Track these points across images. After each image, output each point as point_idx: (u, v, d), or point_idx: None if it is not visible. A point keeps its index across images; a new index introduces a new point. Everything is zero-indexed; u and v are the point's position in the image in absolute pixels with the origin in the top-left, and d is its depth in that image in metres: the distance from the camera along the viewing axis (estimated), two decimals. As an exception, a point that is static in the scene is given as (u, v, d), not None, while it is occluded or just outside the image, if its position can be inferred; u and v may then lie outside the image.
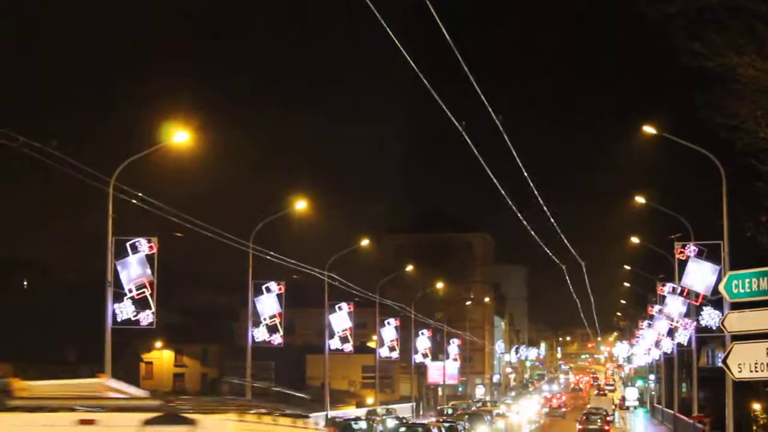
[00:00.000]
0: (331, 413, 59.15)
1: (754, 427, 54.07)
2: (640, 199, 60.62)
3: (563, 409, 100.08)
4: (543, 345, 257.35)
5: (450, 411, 73.81)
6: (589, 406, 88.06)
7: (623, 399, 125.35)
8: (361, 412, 71.76)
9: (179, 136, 37.88)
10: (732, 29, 22.31)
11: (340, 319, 71.32)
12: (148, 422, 11.82)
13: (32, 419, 12.15)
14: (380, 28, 21.62)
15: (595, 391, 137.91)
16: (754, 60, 21.58)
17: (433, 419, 67.22)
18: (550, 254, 71.70)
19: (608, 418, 73.78)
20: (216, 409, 12.19)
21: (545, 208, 50.17)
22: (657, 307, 73.52)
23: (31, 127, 31.78)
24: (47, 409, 12.28)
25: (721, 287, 18.76)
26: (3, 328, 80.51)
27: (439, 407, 78.12)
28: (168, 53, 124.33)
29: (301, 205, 56.15)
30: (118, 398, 14.11)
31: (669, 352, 72.67)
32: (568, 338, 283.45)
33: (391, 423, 63.56)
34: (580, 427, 69.63)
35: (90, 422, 11.96)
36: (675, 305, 59.54)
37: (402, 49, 22.63)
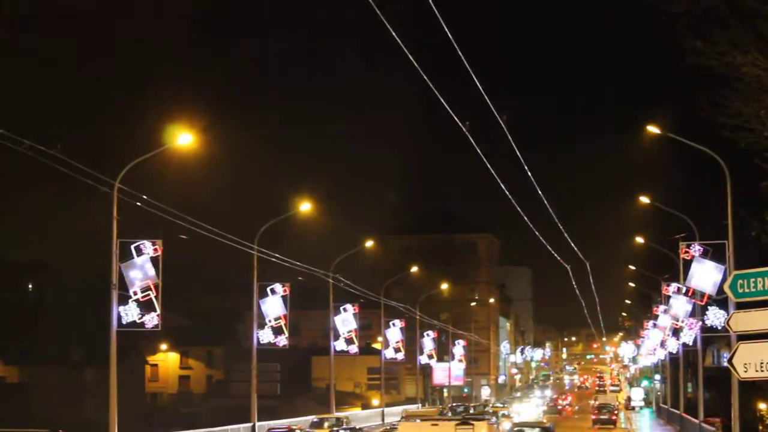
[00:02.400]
0: (272, 423, 57.39)
1: (761, 427, 54.06)
2: (644, 199, 60.55)
3: (559, 407, 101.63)
4: (548, 345, 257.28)
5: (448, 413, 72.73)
6: (598, 402, 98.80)
7: (629, 399, 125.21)
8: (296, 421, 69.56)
9: (183, 139, 37.90)
10: (736, 29, 22.30)
11: (346, 320, 71.27)
12: (457, 425, 33.34)
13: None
14: (385, 30, 21.60)
15: (596, 388, 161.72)
16: (757, 59, 21.57)
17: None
18: (555, 255, 71.70)
19: (615, 411, 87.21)
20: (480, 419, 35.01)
21: (549, 208, 50.10)
22: (662, 307, 73.45)
23: (35, 130, 31.79)
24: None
25: (726, 287, 18.75)
26: (10, 330, 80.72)
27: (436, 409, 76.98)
28: (173, 56, 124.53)
29: (305, 206, 56.13)
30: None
31: (674, 352, 72.55)
32: (573, 339, 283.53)
33: None
34: (594, 417, 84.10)
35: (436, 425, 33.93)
36: (680, 305, 59.47)
37: (405, 50, 22.62)
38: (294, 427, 53.19)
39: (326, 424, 56.30)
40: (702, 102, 24.00)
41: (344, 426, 57.77)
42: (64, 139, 31.19)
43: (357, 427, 59.85)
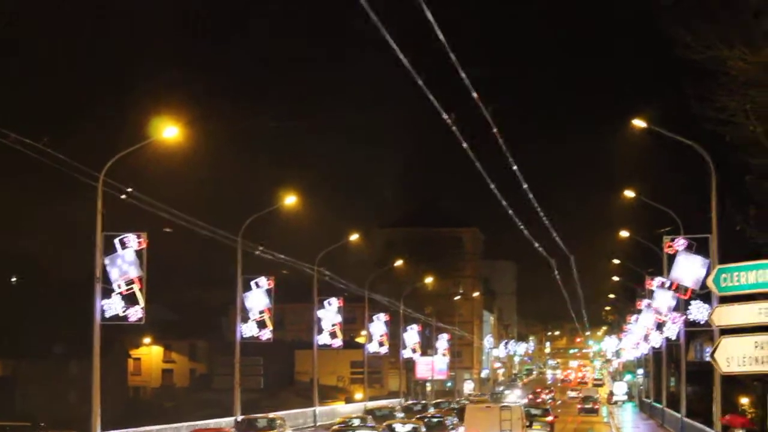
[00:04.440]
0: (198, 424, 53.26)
1: (729, 422, 54.01)
2: (629, 193, 60.73)
3: (539, 400, 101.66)
4: (532, 339, 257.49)
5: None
6: (583, 394, 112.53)
7: (611, 394, 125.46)
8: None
9: (169, 132, 37.85)
10: (724, 22, 22.36)
11: (330, 314, 71.27)
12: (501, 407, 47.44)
13: None
14: (371, 25, 21.56)
15: (578, 381, 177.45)
16: (743, 53, 21.62)
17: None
18: (540, 249, 71.74)
19: (598, 402, 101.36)
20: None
21: (534, 202, 50.13)
22: (646, 301, 73.62)
23: (20, 123, 31.67)
24: None
25: (709, 281, 18.80)
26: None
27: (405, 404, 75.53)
28: (161, 49, 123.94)
29: (290, 200, 56.14)
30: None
31: (657, 346, 72.75)
32: (557, 333, 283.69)
33: None
34: (579, 406, 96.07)
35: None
36: (664, 299, 59.56)
37: (394, 45, 22.61)
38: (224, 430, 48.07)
39: (260, 424, 50.44)
40: (689, 96, 24.08)
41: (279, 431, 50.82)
42: (50, 133, 31.15)
43: None
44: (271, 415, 53.36)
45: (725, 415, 50.14)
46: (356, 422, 50.47)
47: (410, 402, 73.26)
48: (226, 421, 53.40)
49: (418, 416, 57.34)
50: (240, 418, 51.82)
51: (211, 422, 52.62)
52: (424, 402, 75.88)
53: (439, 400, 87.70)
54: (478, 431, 45.66)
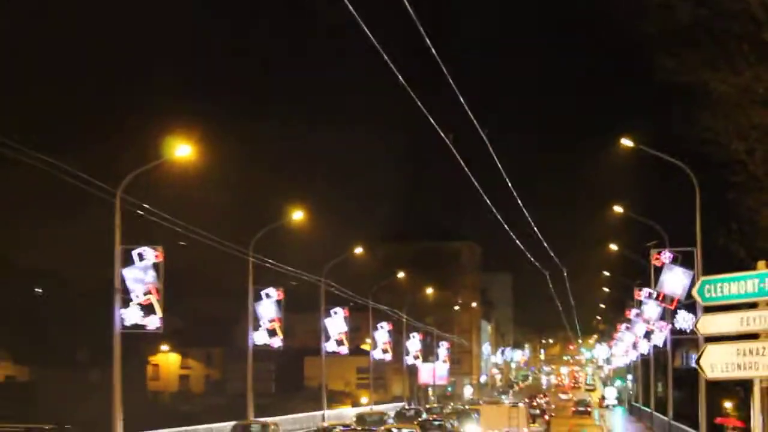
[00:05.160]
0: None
1: (722, 422, 53.78)
2: (618, 209, 60.64)
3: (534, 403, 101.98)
4: (527, 347, 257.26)
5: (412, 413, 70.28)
6: (577, 398, 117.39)
7: (602, 398, 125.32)
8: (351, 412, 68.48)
9: (182, 150, 37.76)
10: (706, 47, 22.29)
11: (336, 323, 71.18)
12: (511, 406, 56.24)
13: None
14: (374, 47, 21.49)
15: (572, 385, 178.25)
16: (726, 76, 21.53)
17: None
18: (534, 262, 71.71)
19: (590, 404, 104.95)
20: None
21: (529, 218, 50.10)
22: (634, 311, 73.49)
23: (39, 140, 31.51)
24: None
25: (694, 292, 18.68)
26: (20, 332, 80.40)
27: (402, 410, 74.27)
28: (171, 67, 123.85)
29: (298, 215, 56.07)
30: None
31: (646, 353, 72.62)
32: (551, 341, 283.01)
33: None
34: (574, 409, 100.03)
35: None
36: (651, 309, 59.48)
37: (393, 67, 22.54)
38: None
39: (253, 429, 48.55)
40: (674, 117, 24.02)
41: None
42: (67, 149, 31.12)
43: None
44: (262, 420, 52.05)
45: (719, 417, 49.98)
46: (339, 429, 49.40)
47: (403, 407, 72.53)
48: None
49: (419, 420, 57.00)
50: (234, 423, 50.38)
51: (203, 428, 51.77)
52: (417, 407, 75.37)
53: (432, 406, 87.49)
54: (492, 426, 51.62)
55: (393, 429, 46.69)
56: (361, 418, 59.07)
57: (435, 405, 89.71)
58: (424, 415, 64.23)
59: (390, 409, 76.80)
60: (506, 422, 51.91)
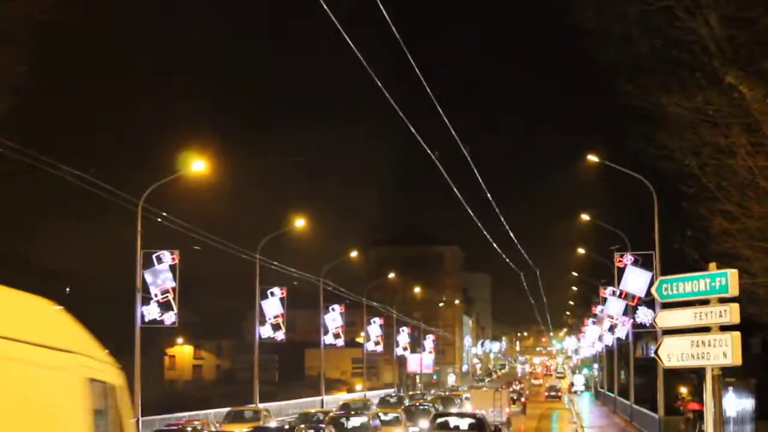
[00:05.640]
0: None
1: (679, 404, 53.95)
2: (585, 217, 60.79)
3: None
4: (504, 339, 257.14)
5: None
6: (549, 384, 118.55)
7: (572, 384, 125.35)
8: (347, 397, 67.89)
9: (197, 165, 37.85)
10: (662, 74, 22.46)
11: (333, 318, 71.27)
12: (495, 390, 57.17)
13: None
14: (367, 71, 21.64)
15: (543, 373, 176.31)
16: (680, 99, 21.70)
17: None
18: (510, 264, 71.85)
19: (560, 390, 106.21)
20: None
21: (506, 225, 50.24)
22: (600, 307, 73.62)
23: (63, 152, 31.33)
24: None
25: (653, 290, 18.80)
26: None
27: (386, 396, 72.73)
28: (185, 88, 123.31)
29: (300, 222, 56.16)
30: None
31: (610, 345, 72.78)
32: (525, 333, 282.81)
33: None
34: (546, 394, 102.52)
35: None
36: (615, 305, 59.57)
37: (385, 92, 22.69)
38: (196, 423, 40.93)
39: (246, 415, 45.75)
40: (634, 136, 24.19)
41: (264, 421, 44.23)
42: (95, 161, 31.12)
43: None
44: (253, 406, 50.38)
45: (687, 403, 49.99)
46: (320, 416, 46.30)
47: (387, 395, 72.30)
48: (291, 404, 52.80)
49: (404, 406, 56.58)
50: (227, 409, 48.26)
51: (186, 415, 50.09)
52: (400, 395, 75.36)
53: (415, 393, 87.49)
54: (480, 406, 54.29)
55: (380, 413, 46.53)
56: (345, 405, 58.79)
57: (418, 392, 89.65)
58: (407, 401, 63.66)
59: (380, 395, 76.62)
60: (491, 403, 55.14)
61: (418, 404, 56.63)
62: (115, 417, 7.87)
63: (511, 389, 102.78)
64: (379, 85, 21.60)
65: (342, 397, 79.36)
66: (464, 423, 36.29)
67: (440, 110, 24.52)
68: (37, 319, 6.89)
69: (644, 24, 21.68)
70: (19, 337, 5.98)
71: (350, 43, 19.59)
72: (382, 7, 18.61)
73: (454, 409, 59.04)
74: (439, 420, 37.30)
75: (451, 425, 36.11)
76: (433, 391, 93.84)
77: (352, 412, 46.58)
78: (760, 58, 20.89)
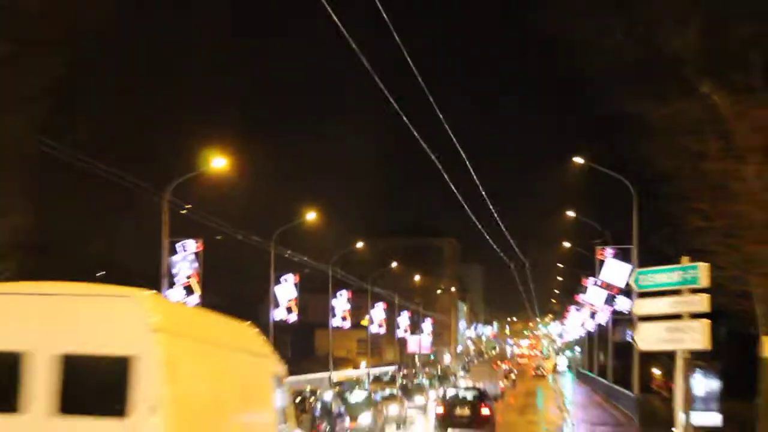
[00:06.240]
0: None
1: (654, 386, 53.95)
2: (571, 213, 60.68)
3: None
4: (495, 323, 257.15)
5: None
6: (536, 363, 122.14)
7: (556, 365, 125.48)
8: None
9: (217, 162, 37.62)
10: (643, 82, 22.37)
11: (341, 303, 71.37)
12: (493, 364, 68.88)
13: None
14: (367, 74, 21.41)
15: (530, 354, 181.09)
16: (658, 107, 21.60)
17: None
18: (502, 255, 71.60)
19: (546, 369, 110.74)
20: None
21: (498, 220, 50.05)
22: (582, 296, 73.53)
23: (92, 148, 31.01)
24: None
25: (631, 281, 18.82)
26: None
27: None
28: (206, 89, 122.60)
29: (311, 215, 56.09)
30: None
31: (591, 329, 72.73)
32: (514, 318, 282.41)
33: None
34: (533, 373, 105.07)
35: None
36: (596, 294, 59.49)
37: (387, 93, 22.49)
38: None
39: None
40: (617, 140, 24.10)
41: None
42: (124, 155, 30.87)
43: None
44: None
45: (655, 382, 49.85)
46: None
47: (381, 372, 72.33)
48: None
49: (400, 384, 56.36)
50: None
51: None
52: (393, 375, 75.08)
53: (409, 372, 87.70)
54: (479, 379, 57.06)
55: (377, 389, 46.48)
56: (339, 384, 58.62)
57: (413, 370, 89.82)
58: (399, 380, 63.49)
59: (383, 371, 76.72)
60: (488, 377, 59.39)
61: (414, 381, 56.61)
62: (281, 395, 13.06)
63: (503, 367, 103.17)
64: (380, 85, 21.43)
65: (346, 373, 79.35)
66: (469, 394, 38.56)
67: (440, 115, 24.36)
68: (252, 337, 12.91)
69: (628, 35, 21.57)
70: (251, 350, 12.05)
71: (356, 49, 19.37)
72: (381, 8, 18.39)
73: (447, 385, 59.10)
74: (450, 394, 39.58)
75: (460, 396, 38.40)
76: (426, 369, 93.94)
77: (356, 387, 46.60)
78: (732, 68, 20.80)
